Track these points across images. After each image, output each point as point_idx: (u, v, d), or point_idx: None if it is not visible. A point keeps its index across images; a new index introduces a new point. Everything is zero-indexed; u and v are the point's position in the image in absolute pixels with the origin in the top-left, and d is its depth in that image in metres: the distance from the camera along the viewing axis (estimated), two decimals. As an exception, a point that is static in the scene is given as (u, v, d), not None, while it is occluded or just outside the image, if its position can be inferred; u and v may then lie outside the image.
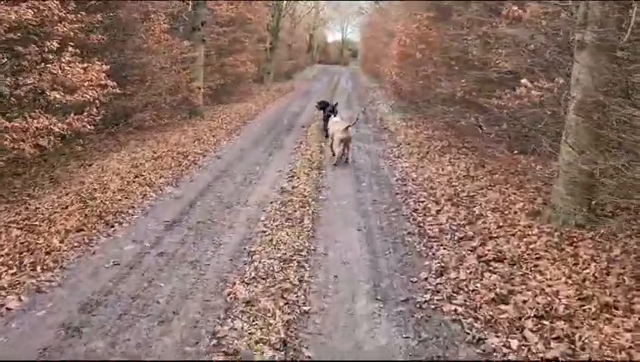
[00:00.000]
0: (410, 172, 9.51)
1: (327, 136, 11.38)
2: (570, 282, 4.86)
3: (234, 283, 4.74)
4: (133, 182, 7.84)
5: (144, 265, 5.14)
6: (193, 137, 11.81)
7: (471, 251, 5.71)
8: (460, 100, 10.12)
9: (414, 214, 7.07)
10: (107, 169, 8.46)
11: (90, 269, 5.00)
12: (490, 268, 5.27)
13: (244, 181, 8.58)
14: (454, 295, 4.71)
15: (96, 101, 7.71)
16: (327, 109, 12.46)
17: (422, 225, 6.63)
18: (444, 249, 5.80)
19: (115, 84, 8.16)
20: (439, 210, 7.17)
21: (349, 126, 9.87)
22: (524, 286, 4.82)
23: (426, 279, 5.08)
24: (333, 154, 9.97)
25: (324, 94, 25.56)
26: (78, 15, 7.29)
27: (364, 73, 42.19)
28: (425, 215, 7.03)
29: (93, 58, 8.26)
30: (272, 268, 5.09)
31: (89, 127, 7.28)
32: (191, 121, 13.92)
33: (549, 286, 4.84)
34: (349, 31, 69.57)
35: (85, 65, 7.41)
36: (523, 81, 5.87)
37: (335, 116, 11.60)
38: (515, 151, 9.10)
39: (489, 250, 5.67)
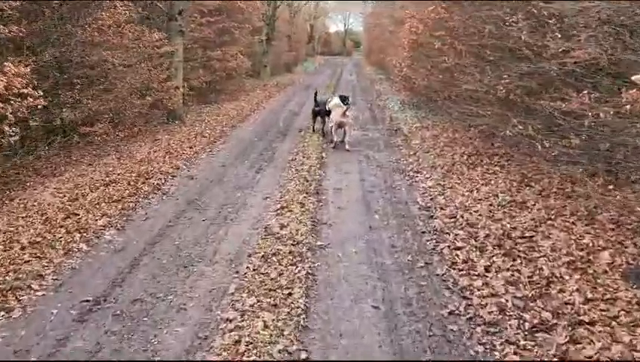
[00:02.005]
0: (435, 195, 7.34)
1: (324, 135, 11.49)
2: None
3: None
4: (60, 226, 5.70)
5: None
6: (165, 149, 9.65)
7: (560, 360, 3.53)
8: (496, 100, 7.91)
9: (453, 274, 4.90)
10: (32, 205, 6.32)
11: None
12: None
13: (217, 216, 6.42)
14: None
15: (10, 116, 5.56)
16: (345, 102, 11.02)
17: (469, 295, 4.47)
18: (515, 352, 3.63)
19: (41, 93, 6.00)
20: (489, 267, 4.99)
21: (345, 110, 10.10)
22: None
23: None
24: (330, 141, 10.57)
25: (326, 87, 23.36)
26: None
27: (368, 64, 39.92)
28: (469, 274, 4.86)
29: (16, 58, 6.13)
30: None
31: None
32: (168, 127, 11.76)
33: None
34: (351, 20, 67.22)
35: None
36: (637, 77, 3.70)
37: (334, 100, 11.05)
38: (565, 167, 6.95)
39: (590, 359, 3.49)
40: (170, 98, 11.08)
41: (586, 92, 4.81)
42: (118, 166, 8.35)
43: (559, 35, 6.06)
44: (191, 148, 9.93)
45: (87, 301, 4.27)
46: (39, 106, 6.10)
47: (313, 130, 11.93)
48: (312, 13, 49.68)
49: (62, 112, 7.93)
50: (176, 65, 12.06)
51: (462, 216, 6.36)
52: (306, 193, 7.24)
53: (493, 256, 5.20)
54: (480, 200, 6.99)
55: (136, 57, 10.36)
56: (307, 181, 7.85)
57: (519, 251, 5.27)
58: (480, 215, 6.37)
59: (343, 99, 11.01)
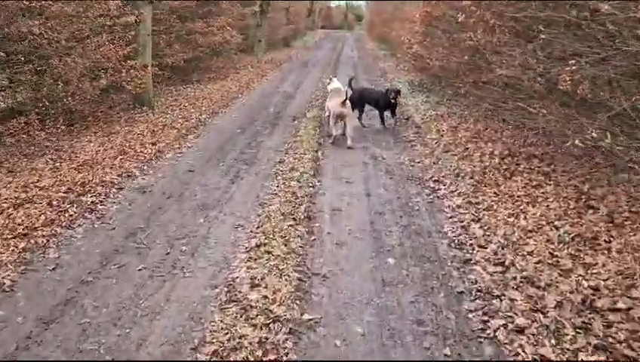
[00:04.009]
0: (468, 220, 5.43)
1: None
2: None
3: None
4: None
5: None
6: (120, 147, 7.67)
7: None
8: (547, 92, 5.92)
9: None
10: None
11: None
12: None
13: (162, 261, 4.48)
14: None
15: None
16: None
17: None
18: None
19: None
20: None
21: (346, 100, 8.18)
22: None
23: None
24: (328, 135, 8.77)
25: (326, 64, 21.25)
26: None
27: (370, 39, 37.56)
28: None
29: None
30: None
31: None
32: (132, 115, 9.74)
33: None
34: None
35: None
36: None
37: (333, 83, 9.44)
38: None
39: None
40: (132, 79, 9.02)
41: None
42: (48, 173, 6.38)
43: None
44: (154, 144, 7.94)
45: None
46: None
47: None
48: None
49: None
50: (144, 40, 9.97)
51: (513, 263, 4.43)
52: (294, 219, 5.30)
53: (579, 349, 3.29)
54: (531, 231, 5.08)
55: (88, 30, 8.30)
56: (296, 198, 5.90)
57: (619, 341, 3.35)
58: (539, 261, 4.45)
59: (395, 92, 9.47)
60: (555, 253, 4.58)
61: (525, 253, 4.62)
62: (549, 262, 4.42)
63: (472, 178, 6.69)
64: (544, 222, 5.24)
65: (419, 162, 7.67)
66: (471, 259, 4.60)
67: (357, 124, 9.52)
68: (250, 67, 18.62)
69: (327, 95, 9.56)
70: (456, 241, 4.99)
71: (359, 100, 9.62)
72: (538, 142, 7.89)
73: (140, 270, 4.28)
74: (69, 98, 7.40)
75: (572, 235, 4.88)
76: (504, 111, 7.24)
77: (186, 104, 11.23)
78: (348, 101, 8.25)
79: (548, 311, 3.71)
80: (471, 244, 4.91)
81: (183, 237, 4.93)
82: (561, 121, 5.39)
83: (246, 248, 4.67)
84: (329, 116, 8.68)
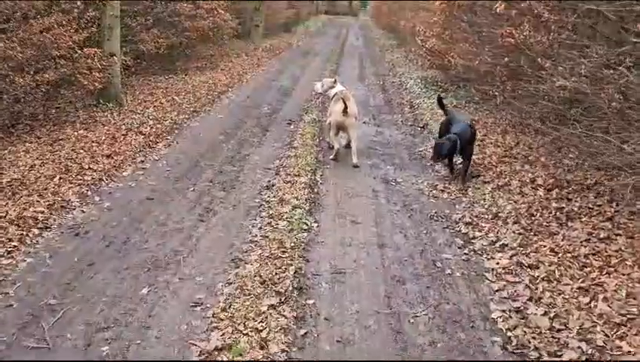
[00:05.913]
0: (522, 298, 3.86)
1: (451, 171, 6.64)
2: None
3: None
4: None
5: None
6: (64, 160, 6.02)
7: None
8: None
9: None
10: None
11: None
12: None
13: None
14: None
15: None
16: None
17: None
18: None
19: None
20: None
21: (346, 106, 6.55)
22: None
23: None
24: (330, 147, 7.14)
25: (329, 54, 19.53)
26: None
27: (376, 27, 35.74)
28: None
29: None
30: None
31: None
32: (95, 114, 8.03)
33: None
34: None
35: None
36: None
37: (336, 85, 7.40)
38: None
39: None
40: (90, 72, 7.32)
41: None
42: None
43: None
44: (109, 157, 6.28)
45: None
46: None
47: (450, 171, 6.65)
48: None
49: None
50: (111, 23, 8.25)
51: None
52: (277, 292, 3.69)
53: None
54: (619, 325, 3.47)
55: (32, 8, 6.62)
56: (284, 251, 4.28)
57: None
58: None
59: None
60: (671, 376, 2.98)
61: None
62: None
63: (516, 222, 5.08)
64: (634, 309, 3.64)
65: (442, 190, 6.07)
66: (544, 385, 3.00)
67: (364, 134, 7.89)
68: (244, 55, 16.92)
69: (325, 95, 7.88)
70: (513, 341, 3.38)
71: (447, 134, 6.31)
72: (583, 165, 6.30)
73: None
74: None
75: (686, 339, 3.27)
76: (563, 135, 5.61)
77: (163, 100, 9.54)
78: (352, 108, 6.67)
79: None
80: (536, 348, 3.30)
81: (111, 324, 3.31)
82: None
83: (199, 354, 3.05)
84: (328, 124, 7.09)
